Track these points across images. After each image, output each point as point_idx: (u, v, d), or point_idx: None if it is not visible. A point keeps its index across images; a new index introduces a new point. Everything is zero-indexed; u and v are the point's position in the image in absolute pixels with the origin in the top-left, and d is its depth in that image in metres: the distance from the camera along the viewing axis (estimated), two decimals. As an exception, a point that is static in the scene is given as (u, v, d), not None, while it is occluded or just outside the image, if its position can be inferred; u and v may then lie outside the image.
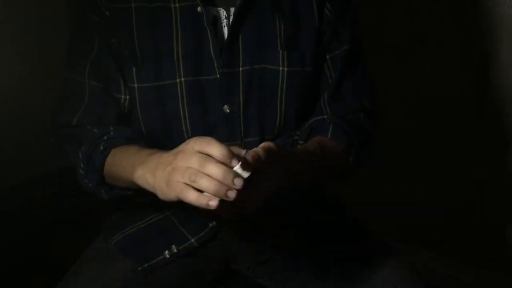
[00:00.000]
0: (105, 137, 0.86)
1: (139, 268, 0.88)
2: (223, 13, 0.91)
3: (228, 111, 0.91)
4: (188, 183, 0.64)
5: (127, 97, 0.93)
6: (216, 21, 0.90)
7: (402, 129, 1.56)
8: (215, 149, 0.65)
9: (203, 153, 0.65)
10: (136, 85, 0.90)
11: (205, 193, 0.64)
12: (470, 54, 1.45)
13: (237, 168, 0.64)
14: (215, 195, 0.63)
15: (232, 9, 0.90)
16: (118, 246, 0.92)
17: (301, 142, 0.95)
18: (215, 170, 0.63)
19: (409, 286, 0.86)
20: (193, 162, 0.65)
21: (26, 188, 1.46)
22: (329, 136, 0.92)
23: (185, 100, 0.89)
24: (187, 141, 0.68)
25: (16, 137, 1.44)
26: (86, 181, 0.89)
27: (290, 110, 0.94)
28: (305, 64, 0.93)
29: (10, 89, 1.44)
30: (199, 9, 0.88)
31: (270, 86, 0.91)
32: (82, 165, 0.88)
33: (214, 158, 0.64)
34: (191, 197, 0.64)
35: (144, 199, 0.90)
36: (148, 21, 0.89)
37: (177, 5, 0.89)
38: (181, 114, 0.90)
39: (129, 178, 0.77)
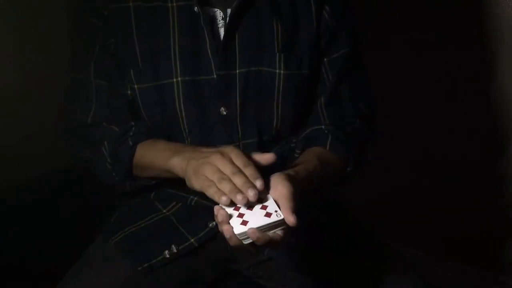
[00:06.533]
0: (131, 133, 0.91)
1: (139, 268, 0.88)
2: (219, 14, 0.90)
3: (225, 113, 0.90)
4: (214, 181, 0.72)
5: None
6: (213, 22, 0.90)
7: (404, 130, 1.56)
8: (250, 172, 0.72)
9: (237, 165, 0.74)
10: (136, 86, 0.90)
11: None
12: (471, 55, 1.45)
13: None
14: (229, 194, 0.70)
15: (229, 11, 0.89)
16: (118, 246, 0.92)
17: (298, 151, 0.95)
18: (240, 182, 0.71)
19: (409, 286, 0.86)
20: (227, 169, 0.73)
21: (26, 188, 1.46)
22: (327, 148, 0.92)
23: (181, 99, 0.89)
24: (231, 148, 0.76)
25: (17, 137, 1.44)
26: (114, 174, 0.92)
27: (287, 113, 0.93)
28: (302, 67, 0.92)
29: (11, 89, 1.44)
30: (195, 8, 0.88)
31: (267, 89, 0.91)
32: (109, 160, 0.91)
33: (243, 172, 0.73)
34: (211, 191, 0.72)
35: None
36: (146, 20, 0.89)
37: (174, 4, 0.89)
38: (179, 113, 0.90)
39: (162, 165, 0.83)
